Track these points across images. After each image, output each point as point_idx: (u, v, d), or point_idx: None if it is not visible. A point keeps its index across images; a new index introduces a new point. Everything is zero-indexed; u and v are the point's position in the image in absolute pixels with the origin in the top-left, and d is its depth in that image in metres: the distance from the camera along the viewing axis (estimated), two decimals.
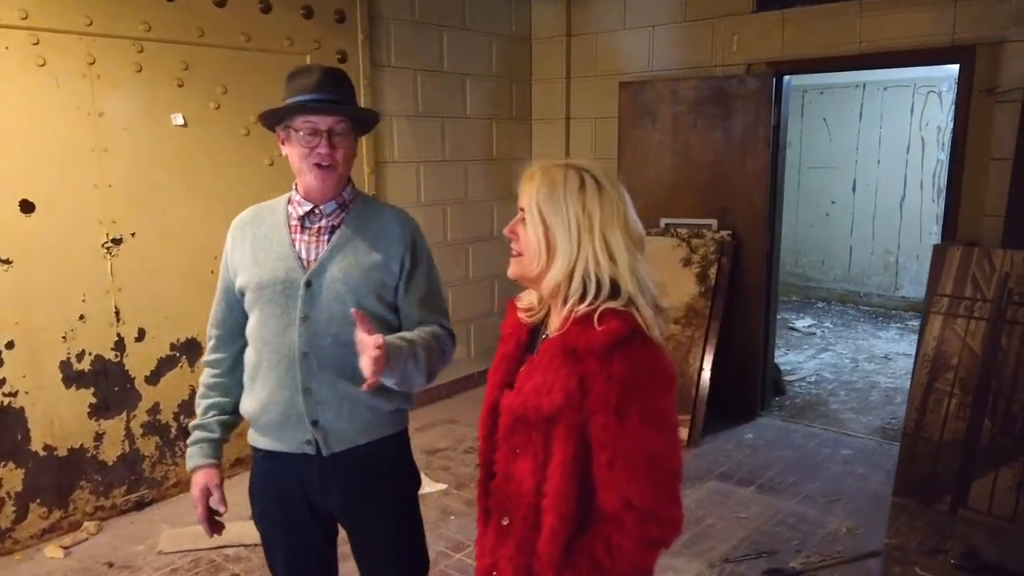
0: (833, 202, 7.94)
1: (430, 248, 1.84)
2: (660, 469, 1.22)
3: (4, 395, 3.12)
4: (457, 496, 3.71)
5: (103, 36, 3.23)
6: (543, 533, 1.27)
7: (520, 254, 1.35)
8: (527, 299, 1.44)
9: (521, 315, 1.43)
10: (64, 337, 3.27)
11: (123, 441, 3.51)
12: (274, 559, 1.83)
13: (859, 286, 7.93)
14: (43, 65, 3.08)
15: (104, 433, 3.44)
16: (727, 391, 4.54)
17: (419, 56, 4.64)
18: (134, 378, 3.51)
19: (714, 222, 4.62)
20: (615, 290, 1.28)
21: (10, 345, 3.12)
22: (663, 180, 4.77)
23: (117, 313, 3.42)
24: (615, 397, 1.21)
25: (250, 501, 1.83)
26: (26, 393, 3.18)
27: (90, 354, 3.36)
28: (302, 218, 1.72)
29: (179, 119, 3.52)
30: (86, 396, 3.36)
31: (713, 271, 4.48)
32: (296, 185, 1.74)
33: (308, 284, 1.67)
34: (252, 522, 1.85)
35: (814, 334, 6.80)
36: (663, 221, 4.78)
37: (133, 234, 3.43)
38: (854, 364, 5.88)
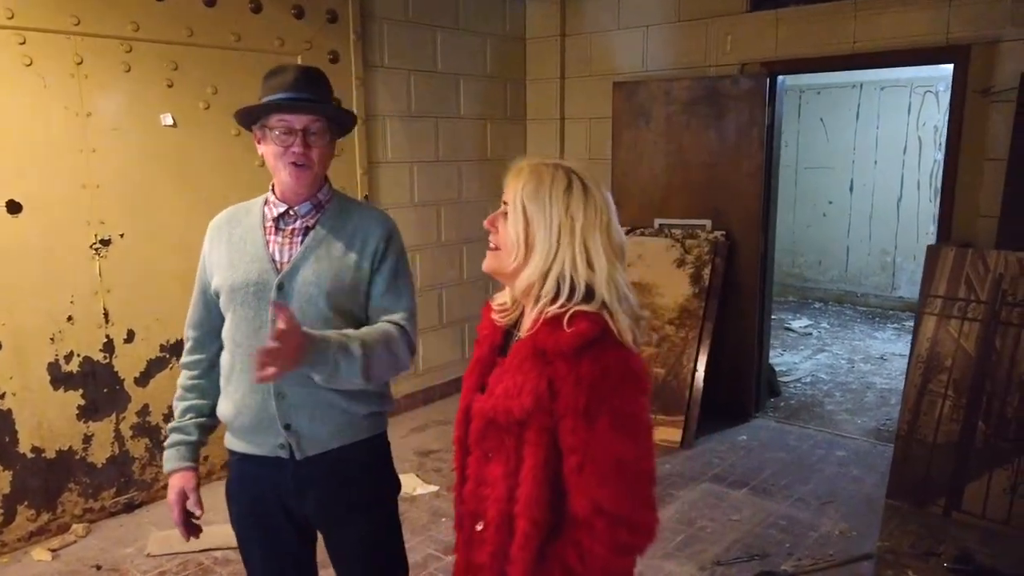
0: (830, 202, 7.92)
1: (407, 250, 1.81)
2: (631, 473, 1.20)
3: None
4: (448, 498, 3.68)
5: (91, 36, 3.21)
6: (515, 539, 1.25)
7: (497, 248, 1.34)
8: (500, 298, 1.42)
9: (495, 315, 1.41)
10: (52, 339, 3.25)
11: (112, 443, 3.49)
12: (250, 561, 1.82)
13: (856, 286, 7.91)
14: (30, 65, 3.06)
15: (93, 435, 3.42)
16: (721, 392, 4.53)
17: (412, 56, 4.62)
18: (123, 380, 3.50)
19: (708, 222, 4.60)
20: (590, 295, 1.27)
21: None
22: (657, 180, 4.76)
23: (106, 314, 3.40)
24: (584, 400, 1.19)
25: (227, 503, 1.81)
26: (13, 395, 3.16)
27: (78, 356, 3.34)
28: (277, 219, 1.71)
29: (168, 119, 3.50)
30: (74, 398, 3.34)
31: (707, 272, 4.46)
32: (273, 186, 1.72)
33: (280, 287, 1.65)
34: None
35: (810, 334, 6.78)
36: (657, 222, 4.76)
37: (122, 235, 3.41)
38: (850, 365, 5.86)
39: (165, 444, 1.81)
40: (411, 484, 3.79)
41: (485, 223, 1.36)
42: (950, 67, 4.00)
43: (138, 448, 3.58)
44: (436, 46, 4.76)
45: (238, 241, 1.71)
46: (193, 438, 1.79)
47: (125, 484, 3.55)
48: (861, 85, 7.49)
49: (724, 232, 4.53)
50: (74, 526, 3.36)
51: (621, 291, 1.27)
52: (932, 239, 5.91)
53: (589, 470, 1.19)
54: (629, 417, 1.20)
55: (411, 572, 1.93)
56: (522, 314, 1.37)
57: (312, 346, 1.48)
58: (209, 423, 1.83)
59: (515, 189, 1.30)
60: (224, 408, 1.75)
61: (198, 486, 1.78)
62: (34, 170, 3.13)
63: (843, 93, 7.64)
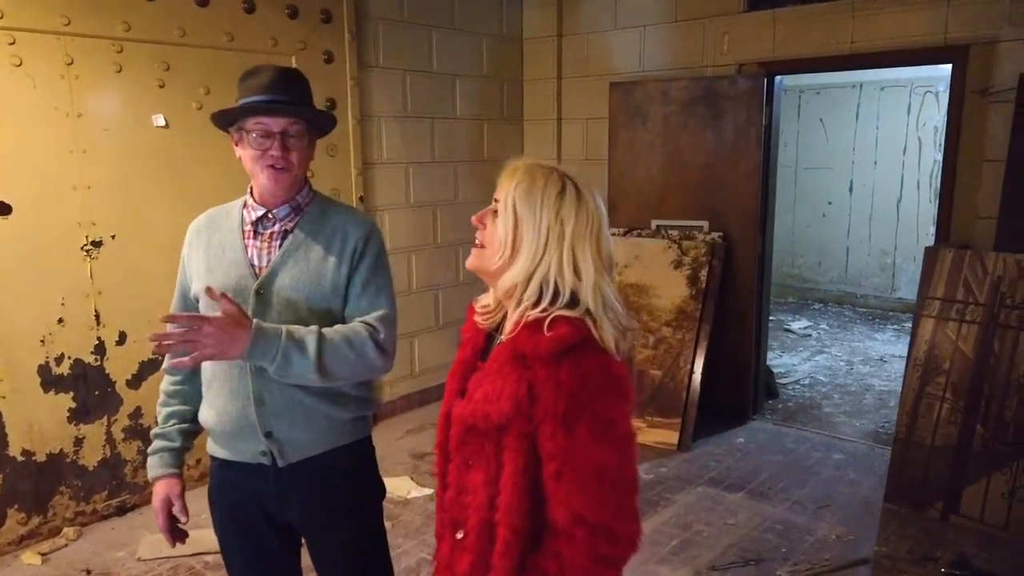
0: (830, 203, 7.89)
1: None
2: (611, 482, 1.17)
3: None
4: None
5: (81, 36, 3.19)
6: (496, 547, 1.23)
7: (483, 245, 1.32)
8: (484, 300, 1.40)
9: (477, 318, 1.39)
10: (43, 341, 3.23)
11: (104, 446, 3.47)
12: (233, 567, 1.80)
13: (856, 287, 7.87)
14: (19, 65, 3.04)
15: (84, 438, 3.39)
16: (718, 394, 4.50)
17: (408, 56, 4.59)
18: (115, 382, 3.47)
19: (705, 224, 4.57)
20: (574, 301, 1.24)
21: None
22: (654, 181, 4.73)
23: (97, 316, 3.38)
24: (563, 405, 1.16)
25: (210, 508, 1.79)
26: (3, 397, 3.14)
27: (69, 358, 3.32)
28: (255, 223, 1.68)
29: (160, 120, 3.48)
30: (65, 400, 3.32)
31: (704, 273, 4.43)
32: (251, 188, 1.70)
33: (258, 292, 1.63)
34: None
35: (810, 336, 6.75)
36: (654, 223, 4.74)
37: (113, 236, 3.39)
38: (849, 367, 5.83)
39: (148, 451, 1.79)
40: (405, 487, 3.77)
41: (473, 219, 1.33)
42: (950, 67, 3.97)
43: (130, 451, 3.55)
44: (432, 46, 4.74)
45: (216, 246, 1.69)
46: (176, 444, 1.77)
47: (117, 487, 3.53)
48: (861, 85, 7.46)
49: (721, 233, 4.50)
50: (65, 530, 3.34)
51: (608, 301, 1.25)
52: (932, 240, 5.88)
53: (568, 477, 1.16)
54: (610, 424, 1.17)
55: None
56: (505, 317, 1.35)
57: (257, 335, 1.46)
58: (192, 429, 1.80)
59: (508, 188, 1.28)
60: (206, 414, 1.73)
61: (183, 492, 1.76)
62: (24, 171, 3.11)
63: (843, 93, 7.61)
